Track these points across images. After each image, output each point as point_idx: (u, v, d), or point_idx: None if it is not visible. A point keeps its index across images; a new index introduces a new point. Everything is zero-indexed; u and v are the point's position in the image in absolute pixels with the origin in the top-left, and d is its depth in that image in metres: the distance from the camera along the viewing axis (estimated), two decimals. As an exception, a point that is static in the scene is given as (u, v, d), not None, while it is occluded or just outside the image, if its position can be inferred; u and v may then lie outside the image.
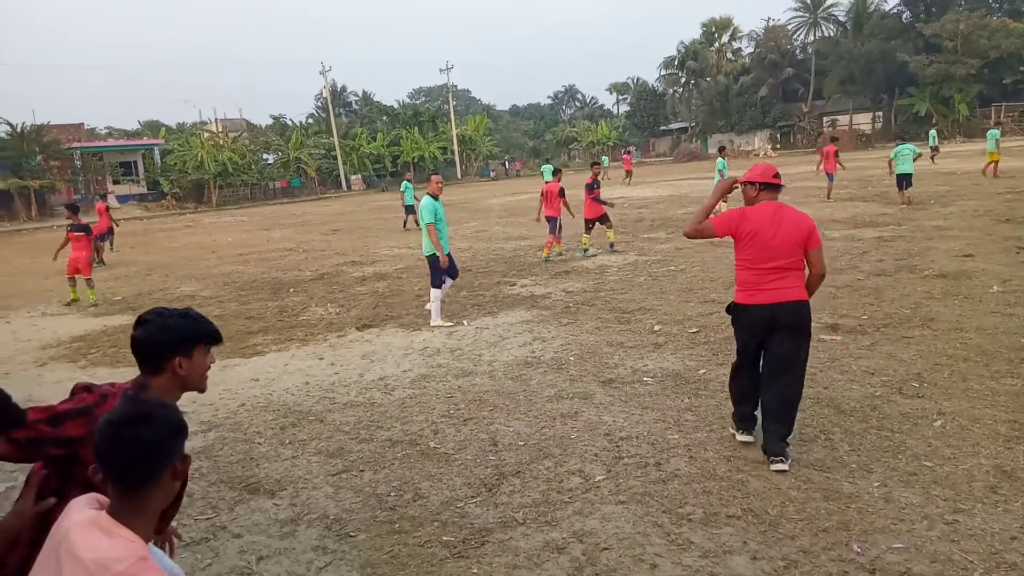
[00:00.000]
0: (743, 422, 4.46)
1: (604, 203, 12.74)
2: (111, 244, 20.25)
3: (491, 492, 4.07)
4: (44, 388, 6.99)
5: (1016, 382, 5.10)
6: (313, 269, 13.82)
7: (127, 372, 7.26)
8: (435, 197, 8.43)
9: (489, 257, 13.58)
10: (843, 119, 62.98)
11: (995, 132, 20.95)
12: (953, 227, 12.28)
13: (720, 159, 17.02)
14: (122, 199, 44.77)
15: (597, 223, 12.84)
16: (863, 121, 61.79)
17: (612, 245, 13.08)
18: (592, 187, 12.80)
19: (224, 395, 6.29)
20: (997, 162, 20.50)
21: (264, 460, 4.79)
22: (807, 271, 4.24)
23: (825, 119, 64.72)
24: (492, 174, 63.61)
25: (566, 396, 5.57)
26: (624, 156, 40.67)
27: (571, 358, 6.58)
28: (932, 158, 27.77)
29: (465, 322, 8.41)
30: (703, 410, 5.06)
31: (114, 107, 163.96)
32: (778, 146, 63.29)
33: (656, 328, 7.41)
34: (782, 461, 4.05)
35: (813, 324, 4.33)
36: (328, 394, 6.12)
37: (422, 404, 5.66)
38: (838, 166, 19.39)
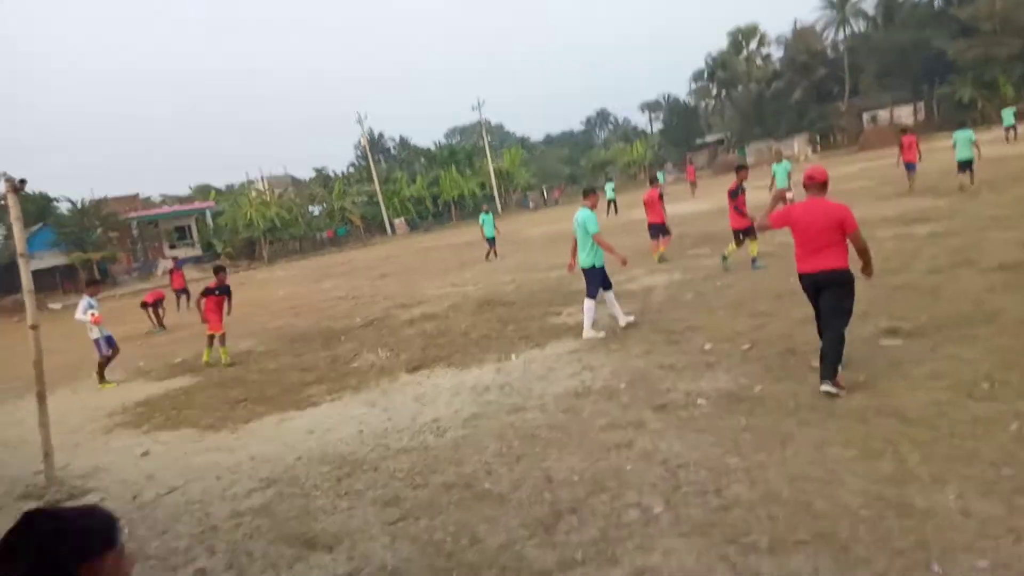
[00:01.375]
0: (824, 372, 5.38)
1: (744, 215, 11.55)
2: (188, 301, 21.24)
3: (548, 532, 4.00)
4: (111, 455, 7.20)
5: (1095, 375, 4.81)
6: (363, 315, 14.02)
7: (188, 433, 7.46)
8: (593, 209, 8.72)
9: (533, 288, 13.57)
10: (883, 113, 61.49)
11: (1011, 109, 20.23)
12: (1010, 216, 11.78)
13: (784, 162, 17.41)
14: (178, 263, 46.44)
15: (743, 235, 11.61)
16: (904, 113, 60.20)
17: (755, 261, 11.44)
18: (735, 194, 11.61)
19: (281, 449, 6.38)
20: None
21: (321, 513, 4.81)
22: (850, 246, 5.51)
23: (865, 115, 63.29)
24: (531, 205, 63.90)
25: (619, 425, 5.47)
26: (688, 167, 40.83)
27: (622, 385, 6.48)
28: (1007, 138, 27.11)
29: (513, 356, 8.39)
30: (761, 429, 4.91)
31: (166, 173, 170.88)
32: (819, 147, 62.08)
33: (707, 347, 7.25)
34: (828, 383, 5.26)
35: (872, 328, 6.03)
36: (382, 441, 6.14)
37: (474, 444, 5.63)
38: (918, 156, 18.99)
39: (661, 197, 14.28)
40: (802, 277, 5.76)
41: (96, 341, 11.19)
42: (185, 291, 22.23)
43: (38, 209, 44.45)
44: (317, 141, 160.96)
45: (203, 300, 11.49)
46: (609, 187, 31.85)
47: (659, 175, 35.81)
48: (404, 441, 6.04)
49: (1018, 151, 24.21)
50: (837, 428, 4.70)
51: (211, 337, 11.49)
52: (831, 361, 5.34)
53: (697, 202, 30.05)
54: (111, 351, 11.31)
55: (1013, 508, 3.43)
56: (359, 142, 67.58)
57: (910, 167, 18.65)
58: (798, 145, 61.37)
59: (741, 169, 12.13)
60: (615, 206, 30.93)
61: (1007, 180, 16.65)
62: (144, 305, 18.80)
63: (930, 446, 4.21)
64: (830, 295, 5.50)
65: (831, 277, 5.49)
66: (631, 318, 8.88)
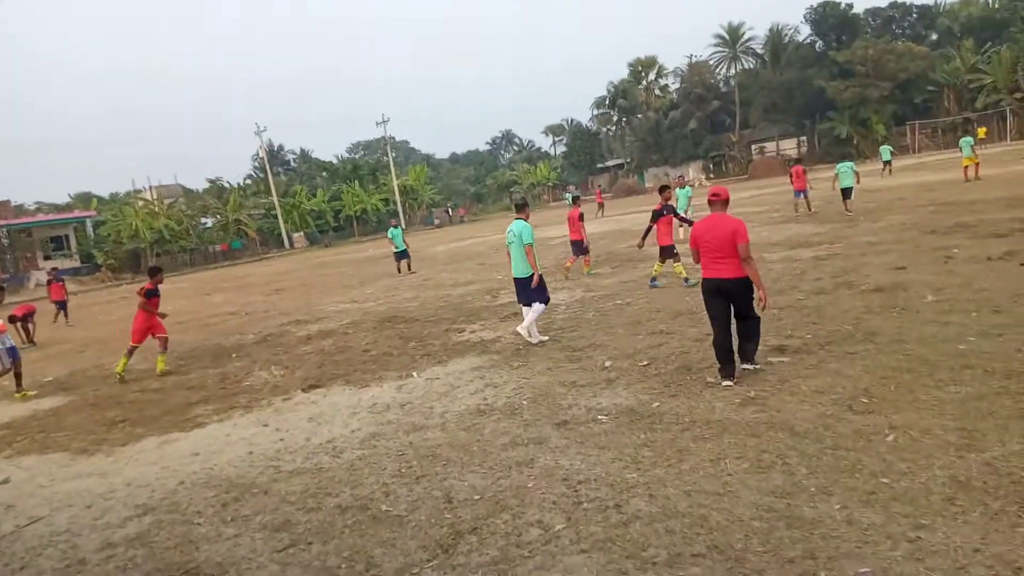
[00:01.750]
0: (723, 371, 6.17)
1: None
2: (66, 315, 20.51)
3: (448, 553, 3.88)
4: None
5: (960, 390, 5.17)
6: (256, 331, 13.43)
7: (56, 458, 6.85)
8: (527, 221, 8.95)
9: (437, 305, 13.43)
10: (770, 145, 65.47)
11: (968, 139, 22.73)
12: (884, 241, 12.69)
13: (686, 187, 19.34)
14: (58, 273, 43.18)
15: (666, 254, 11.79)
16: (789, 146, 64.37)
17: (655, 280, 11.82)
18: (659, 215, 11.78)
19: (161, 474, 5.94)
20: (978, 164, 22.26)
21: (204, 542, 4.48)
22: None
23: (753, 147, 67.21)
24: (436, 222, 63.77)
25: (521, 443, 5.42)
26: (596, 191, 43.23)
27: (524, 402, 6.45)
28: (883, 173, 29.21)
29: (415, 373, 8.22)
30: (659, 444, 4.98)
31: (42, 182, 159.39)
32: (711, 175, 65.33)
33: (607, 364, 7.35)
34: (750, 364, 6.29)
35: (762, 346, 6.34)
36: (273, 463, 5.83)
37: (372, 465, 5.43)
38: (808, 184, 20.67)
39: (581, 217, 14.75)
40: (705, 282, 6.33)
41: None
42: (64, 304, 20.67)
43: None
44: (212, 150, 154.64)
45: (148, 301, 10.52)
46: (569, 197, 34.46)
47: (571, 195, 37.39)
48: (297, 463, 5.75)
49: (891, 184, 26.24)
50: (731, 442, 4.83)
51: (133, 349, 10.67)
52: (755, 345, 6.32)
53: (601, 223, 30.81)
54: (12, 363, 10.02)
55: (891, 515, 3.60)
56: (257, 153, 65.48)
57: (798, 194, 20.32)
58: (693, 172, 64.37)
59: (665, 190, 12.41)
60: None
61: (882, 210, 17.99)
62: (13, 319, 17.29)
63: (817, 458, 4.38)
64: (737, 303, 6.16)
65: (732, 285, 6.08)
66: (544, 337, 8.90)
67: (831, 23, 61.80)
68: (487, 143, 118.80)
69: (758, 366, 6.30)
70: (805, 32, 64.55)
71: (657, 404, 5.85)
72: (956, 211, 15.60)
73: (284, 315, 15.32)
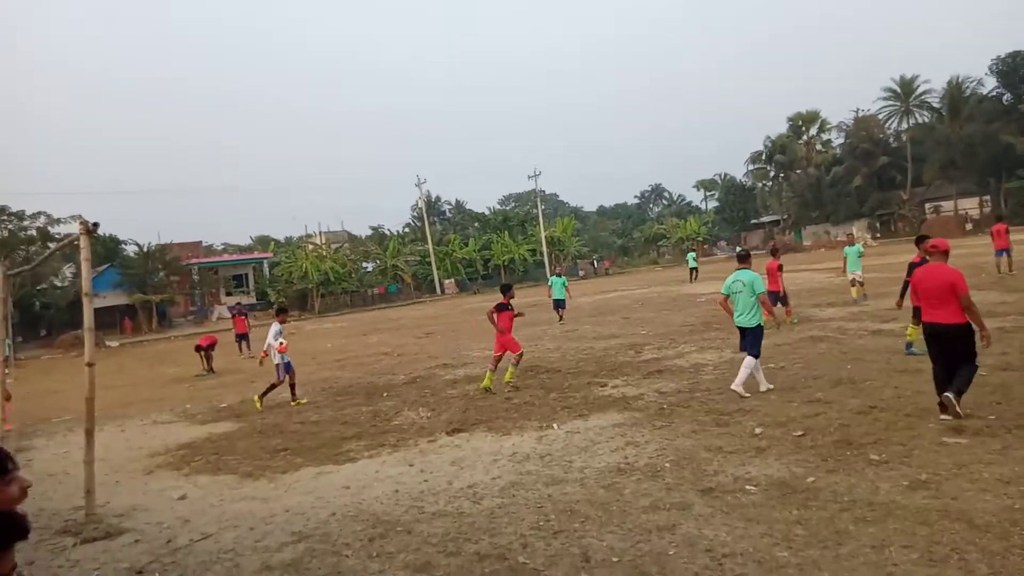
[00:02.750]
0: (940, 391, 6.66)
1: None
2: (249, 347, 22.30)
3: (584, 614, 3.80)
4: (149, 496, 7.23)
5: None
6: (407, 373, 14.04)
7: (226, 480, 7.46)
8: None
9: (579, 357, 13.42)
10: (947, 204, 60.36)
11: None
12: (1086, 315, 11.25)
13: (856, 245, 17.74)
14: (232, 310, 47.75)
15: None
16: (970, 205, 58.99)
17: (910, 345, 9.91)
18: (915, 267, 10.06)
19: (316, 504, 6.31)
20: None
21: (351, 574, 4.69)
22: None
23: (927, 205, 62.25)
24: (581, 273, 64.03)
25: (662, 507, 5.26)
26: (771, 243, 43.63)
27: (667, 464, 6.26)
28: None
29: (555, 425, 8.23)
30: (814, 523, 4.64)
31: (229, 225, 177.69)
32: (878, 235, 61.01)
33: (758, 431, 6.98)
34: (954, 396, 6.43)
35: (935, 424, 6.34)
36: (417, 503, 6.02)
37: (511, 514, 5.47)
38: (1010, 243, 19.40)
39: (780, 268, 15.14)
40: (925, 326, 6.91)
41: (277, 366, 11.72)
42: (246, 336, 22.65)
43: (106, 250, 46.55)
44: (376, 200, 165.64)
45: (500, 315, 11.01)
46: (691, 257, 36.08)
47: (689, 256, 38.14)
48: (440, 505, 5.91)
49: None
50: (897, 528, 4.41)
51: (498, 359, 11.16)
52: (963, 384, 6.53)
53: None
54: (287, 376, 11.77)
55: (1097, 635, 3.12)
56: (416, 203, 69.36)
57: (999, 253, 19.38)
58: (856, 231, 60.42)
59: (923, 240, 9.67)
60: (696, 274, 34.22)
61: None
62: (198, 348, 19.24)
63: (1002, 557, 3.90)
64: (954, 346, 6.58)
65: (948, 330, 6.58)
66: (771, 385, 8.85)
67: (1022, 74, 56.60)
68: (636, 196, 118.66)
69: (956, 399, 6.43)
70: (990, 84, 59.47)
71: (812, 479, 5.47)
72: None
73: (433, 358, 15.92)
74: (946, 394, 6.47)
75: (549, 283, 22.17)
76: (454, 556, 4.79)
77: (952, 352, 6.60)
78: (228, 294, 51.44)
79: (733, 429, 7.18)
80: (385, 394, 11.82)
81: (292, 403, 11.72)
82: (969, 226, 53.72)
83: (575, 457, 6.85)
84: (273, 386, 11.77)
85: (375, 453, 7.95)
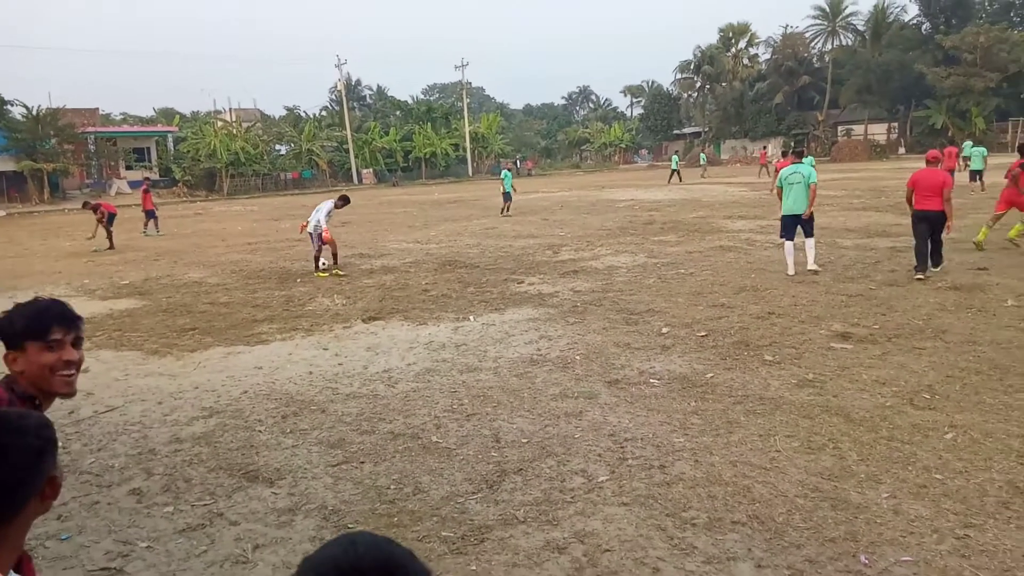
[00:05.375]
0: (919, 268, 9.21)
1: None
2: (156, 225, 21.18)
3: (492, 489, 4.02)
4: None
5: (1030, 397, 5.00)
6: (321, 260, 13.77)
7: (130, 356, 7.27)
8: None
9: (498, 255, 13.52)
10: (858, 128, 62.62)
11: (982, 149, 23.72)
12: (967, 240, 12.13)
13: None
14: (134, 184, 44.76)
15: None
16: (878, 131, 61.41)
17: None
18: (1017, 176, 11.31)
19: (227, 382, 6.26)
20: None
21: (264, 448, 4.74)
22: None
23: (840, 128, 64.37)
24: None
25: (571, 395, 5.51)
26: (761, 152, 47.53)
27: (577, 357, 6.52)
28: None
29: (472, 317, 8.36)
30: (709, 414, 4.99)
31: (130, 94, 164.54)
32: (790, 153, 62.82)
33: (664, 330, 7.33)
34: (933, 267, 9.39)
35: (825, 331, 6.66)
36: (331, 384, 6.07)
37: (425, 398, 5.61)
38: (957, 165, 23.25)
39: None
40: (918, 212, 9.34)
41: (312, 235, 12.11)
42: (153, 213, 21.47)
43: (-11, 110, 42.41)
44: (291, 79, 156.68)
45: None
46: (674, 159, 38.43)
47: (674, 158, 40.84)
48: (354, 387, 5.98)
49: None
50: (782, 420, 4.81)
51: (998, 216, 11.52)
52: (939, 258, 9.53)
53: (670, 191, 30.23)
54: (319, 248, 12.08)
55: (940, 510, 3.56)
56: (335, 86, 65.91)
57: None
58: (771, 148, 62.09)
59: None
60: (679, 175, 36.15)
61: (971, 207, 17.13)
62: (95, 209, 17.99)
63: (870, 446, 4.33)
64: (936, 226, 9.24)
65: (934, 215, 9.17)
66: (818, 267, 10.01)
67: (942, 4, 57.95)
68: (563, 98, 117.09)
69: (940, 268, 9.48)
70: (913, 12, 60.83)
71: (711, 375, 5.84)
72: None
73: (348, 247, 15.64)
74: (932, 268, 9.31)
75: (501, 177, 23.70)
76: (368, 434, 4.90)
77: (934, 231, 9.22)
78: (128, 168, 48.18)
79: (641, 328, 7.51)
80: (299, 280, 11.62)
81: (320, 274, 11.89)
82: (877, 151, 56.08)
83: (490, 347, 7.03)
84: (318, 257, 12.14)
85: (288, 336, 7.88)
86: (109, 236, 17.61)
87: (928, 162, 9.69)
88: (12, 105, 42.76)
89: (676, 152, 48.04)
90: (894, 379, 5.51)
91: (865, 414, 4.84)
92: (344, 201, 12.86)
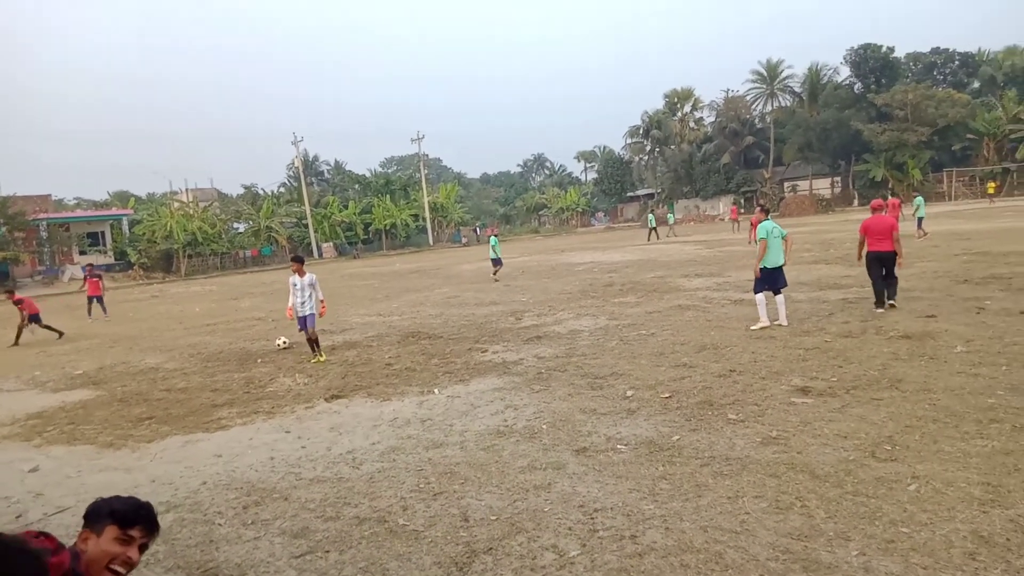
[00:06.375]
0: (879, 304, 10.77)
1: None
2: (104, 309, 20.89)
3: (462, 571, 3.91)
4: (-6, 469, 6.67)
5: (986, 443, 5.11)
6: (282, 338, 13.58)
7: (84, 450, 7.00)
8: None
9: (461, 323, 13.52)
10: (803, 184, 65.09)
11: (920, 200, 25.74)
12: (914, 288, 12.56)
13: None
14: (84, 270, 44.04)
15: None
16: (822, 186, 63.92)
17: None
18: None
19: (185, 473, 6.06)
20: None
21: (224, 542, 4.57)
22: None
23: (786, 184, 66.84)
24: (464, 240, 64.12)
25: (539, 467, 5.45)
26: (731, 208, 49.64)
27: (544, 426, 6.48)
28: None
29: (436, 390, 8.29)
30: (677, 478, 4.98)
31: (84, 179, 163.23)
32: (742, 211, 64.87)
33: (629, 393, 7.36)
34: (893, 301, 10.80)
35: (785, 386, 6.79)
36: (294, 469, 5.92)
37: (391, 478, 5.49)
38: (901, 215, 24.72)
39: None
40: (872, 254, 10.82)
41: (303, 318, 11.11)
42: (100, 299, 21.02)
43: (-64, 199, 41.60)
44: (248, 158, 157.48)
45: None
46: (651, 218, 42.12)
47: (670, 216, 46.63)
48: (318, 471, 5.83)
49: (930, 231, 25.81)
50: (750, 480, 4.82)
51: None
52: (894, 291, 10.95)
53: (627, 252, 30.75)
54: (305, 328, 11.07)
55: (909, 566, 3.57)
56: (292, 162, 66.52)
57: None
58: (723, 206, 64.06)
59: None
60: (656, 232, 40.15)
61: (914, 256, 17.75)
62: (18, 303, 16.89)
63: (836, 503, 4.36)
64: (889, 265, 10.76)
65: (887, 255, 10.70)
66: (786, 322, 10.35)
67: (871, 65, 61.48)
68: (519, 165, 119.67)
69: (893, 300, 10.83)
70: (845, 73, 64.31)
71: (677, 437, 5.85)
72: (990, 262, 15.40)
73: (310, 324, 15.48)
74: (889, 302, 10.74)
75: (491, 243, 24.13)
76: (333, 520, 4.77)
77: (888, 270, 10.71)
78: (82, 252, 47.40)
79: (606, 392, 7.52)
80: (259, 360, 11.43)
81: (320, 357, 10.87)
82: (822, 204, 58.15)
83: (455, 421, 6.95)
84: (311, 339, 11.03)
85: (249, 420, 7.70)
86: (18, 333, 16.42)
87: (874, 210, 11.25)
88: (-40, 194, 42.02)
89: (652, 211, 50.03)
90: (855, 432, 5.59)
91: (830, 469, 4.88)
92: (299, 261, 11.67)
